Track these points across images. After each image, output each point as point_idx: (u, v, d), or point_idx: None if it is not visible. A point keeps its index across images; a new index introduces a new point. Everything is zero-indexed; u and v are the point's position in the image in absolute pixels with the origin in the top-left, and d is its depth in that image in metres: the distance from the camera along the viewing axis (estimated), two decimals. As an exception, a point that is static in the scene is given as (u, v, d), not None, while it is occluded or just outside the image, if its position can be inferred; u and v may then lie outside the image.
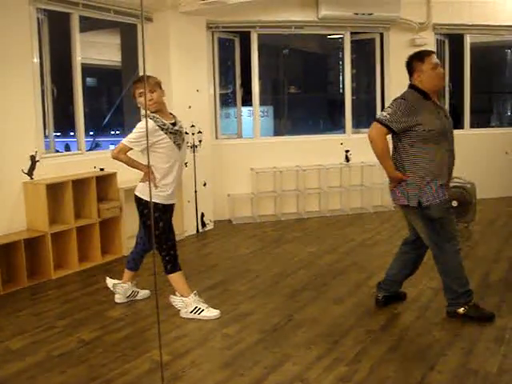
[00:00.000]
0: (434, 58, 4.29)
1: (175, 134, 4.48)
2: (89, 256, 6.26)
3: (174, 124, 4.51)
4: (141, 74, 7.45)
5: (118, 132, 9.32)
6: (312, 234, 7.54)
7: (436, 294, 4.92)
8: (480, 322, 4.22)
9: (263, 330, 4.27)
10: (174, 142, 4.46)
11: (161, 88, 4.55)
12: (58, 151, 6.94)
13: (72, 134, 7.00)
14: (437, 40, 9.37)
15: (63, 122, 7.42)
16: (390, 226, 7.86)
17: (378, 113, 9.28)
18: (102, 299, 5.07)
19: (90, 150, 7.32)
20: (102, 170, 6.49)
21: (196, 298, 4.56)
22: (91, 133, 8.08)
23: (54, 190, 5.91)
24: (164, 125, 4.42)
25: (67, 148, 7.95)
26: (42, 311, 4.83)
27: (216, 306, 4.65)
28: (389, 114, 4.24)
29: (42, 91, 6.23)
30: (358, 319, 4.45)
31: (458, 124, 9.71)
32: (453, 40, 9.64)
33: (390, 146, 4.41)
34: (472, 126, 9.78)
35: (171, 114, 4.61)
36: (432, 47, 9.18)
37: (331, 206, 8.82)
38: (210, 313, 4.53)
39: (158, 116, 4.45)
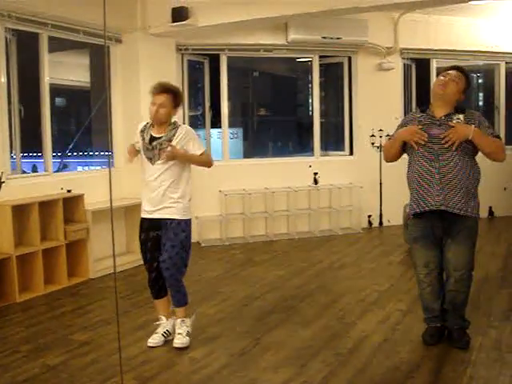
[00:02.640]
0: (447, 74, 4.18)
1: (148, 149, 4.34)
2: (55, 279, 6.17)
3: (154, 139, 4.34)
4: (112, 95, 7.45)
5: (85, 153, 9.25)
6: (280, 256, 7.55)
7: (404, 316, 4.95)
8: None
9: (231, 354, 4.24)
10: (146, 155, 4.35)
11: (177, 105, 4.42)
12: (24, 172, 6.87)
13: (39, 154, 6.93)
14: (404, 64, 9.52)
15: (30, 143, 7.35)
16: (358, 248, 7.90)
17: (347, 135, 9.40)
18: (68, 323, 5.00)
19: (57, 171, 7.25)
20: (69, 191, 6.43)
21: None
22: (59, 154, 8.01)
23: (20, 211, 5.83)
24: (143, 131, 4.42)
25: (34, 169, 7.86)
26: (6, 335, 4.73)
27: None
28: (395, 132, 4.39)
29: (9, 111, 6.17)
30: (325, 342, 4.44)
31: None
32: (419, 64, 9.79)
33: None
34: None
35: (172, 126, 4.40)
36: (399, 71, 9.34)
37: (299, 229, 8.84)
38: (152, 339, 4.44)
39: (149, 124, 4.44)
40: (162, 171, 4.30)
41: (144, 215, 4.40)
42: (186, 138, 4.36)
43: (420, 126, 4.15)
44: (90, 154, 8.99)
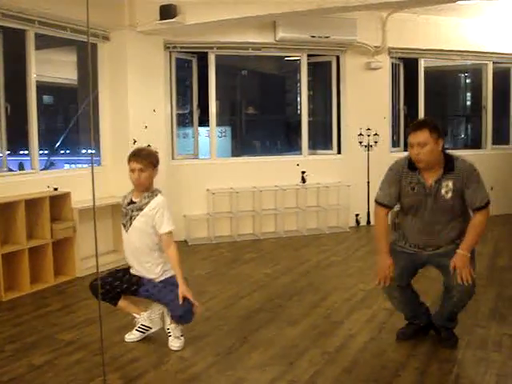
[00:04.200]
0: (413, 137, 3.97)
1: (125, 213, 4.34)
2: (41, 277, 6.13)
3: (130, 203, 4.33)
4: (99, 92, 7.41)
5: (73, 151, 9.20)
6: (268, 255, 7.54)
7: (390, 315, 4.95)
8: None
9: (218, 353, 4.23)
10: (122, 221, 4.37)
11: (154, 167, 4.32)
12: (11, 170, 6.82)
13: (26, 152, 6.89)
14: (392, 64, 9.54)
15: (17, 141, 7.30)
16: (346, 247, 7.92)
17: (335, 134, 9.41)
18: (54, 322, 4.97)
19: (44, 169, 7.21)
20: (55, 189, 6.39)
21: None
22: (46, 151, 7.96)
23: (6, 209, 5.79)
24: (124, 200, 4.42)
25: (21, 167, 7.81)
26: (-9, 334, 4.70)
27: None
28: (380, 189, 4.24)
29: (-4, 108, 6.14)
30: (313, 341, 4.45)
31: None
32: (407, 64, 9.82)
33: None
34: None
35: (149, 194, 4.32)
36: (387, 71, 9.35)
37: (287, 227, 8.84)
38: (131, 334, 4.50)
39: (131, 192, 4.40)
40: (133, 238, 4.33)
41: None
42: (158, 211, 4.25)
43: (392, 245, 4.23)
44: (78, 152, 8.94)
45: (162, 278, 4.31)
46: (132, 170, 4.26)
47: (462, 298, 4.04)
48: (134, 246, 4.31)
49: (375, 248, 4.36)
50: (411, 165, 4.05)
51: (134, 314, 4.49)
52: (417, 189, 4.04)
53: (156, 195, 4.30)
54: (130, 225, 4.27)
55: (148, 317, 4.46)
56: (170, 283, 4.25)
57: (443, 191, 3.98)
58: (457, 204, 4.02)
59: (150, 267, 4.31)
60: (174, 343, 4.31)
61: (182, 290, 4.12)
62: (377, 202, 4.24)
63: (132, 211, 4.27)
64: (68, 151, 9.03)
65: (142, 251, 4.29)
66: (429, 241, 4.11)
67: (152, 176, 4.32)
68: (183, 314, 4.19)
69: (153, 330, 4.49)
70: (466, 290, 3.97)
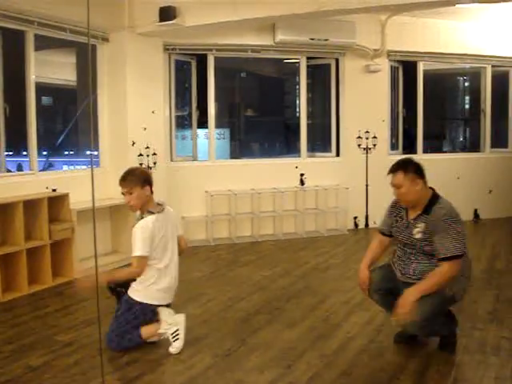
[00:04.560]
0: (393, 178, 4.08)
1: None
2: (39, 278, 6.12)
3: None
4: (98, 94, 7.40)
5: (71, 152, 9.20)
6: (266, 257, 7.54)
7: (388, 318, 4.94)
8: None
9: (216, 355, 4.23)
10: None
11: (143, 185, 4.28)
12: (9, 171, 6.81)
13: (25, 153, 6.89)
14: (391, 66, 9.55)
15: (16, 142, 7.30)
16: (344, 249, 7.91)
17: (333, 137, 9.42)
18: (52, 323, 4.96)
19: (42, 170, 7.21)
20: (54, 190, 6.39)
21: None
22: (44, 152, 7.96)
23: (5, 210, 5.78)
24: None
25: (19, 168, 7.80)
26: (-12, 335, 4.70)
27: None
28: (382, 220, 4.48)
29: (-5, 109, 6.13)
30: (311, 343, 4.44)
31: (411, 149, 9.88)
32: (406, 67, 9.84)
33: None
34: (425, 151, 9.97)
35: (158, 203, 4.40)
36: (386, 74, 9.37)
37: (286, 230, 8.84)
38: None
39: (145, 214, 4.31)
40: None
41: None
42: (133, 233, 4.24)
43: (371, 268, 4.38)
44: (76, 153, 8.94)
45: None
46: (123, 194, 4.31)
47: (415, 330, 4.10)
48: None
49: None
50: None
51: (159, 331, 4.35)
52: (399, 221, 4.23)
53: (144, 217, 4.28)
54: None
55: (169, 322, 4.37)
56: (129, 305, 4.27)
57: (415, 231, 4.06)
58: (426, 246, 4.03)
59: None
60: (172, 347, 4.29)
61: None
62: (377, 228, 4.58)
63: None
64: (66, 152, 9.03)
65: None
66: (404, 268, 4.17)
67: (142, 195, 4.28)
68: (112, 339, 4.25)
69: (180, 327, 4.35)
70: (414, 325, 3.94)
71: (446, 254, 3.89)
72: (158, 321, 4.32)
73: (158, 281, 4.29)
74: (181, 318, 4.35)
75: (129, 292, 4.30)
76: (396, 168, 4.08)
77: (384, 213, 4.44)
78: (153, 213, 4.27)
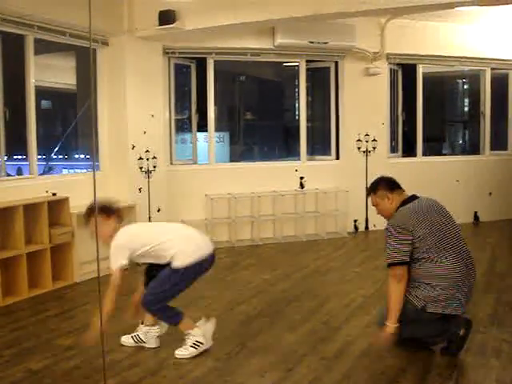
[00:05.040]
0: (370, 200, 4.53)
1: None
2: (39, 282, 6.12)
3: None
4: (98, 97, 7.41)
5: (71, 156, 9.21)
6: (266, 260, 7.54)
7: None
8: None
9: (216, 358, 4.23)
10: None
11: (107, 217, 4.31)
12: (9, 175, 6.81)
13: (24, 157, 6.89)
14: (390, 69, 9.56)
15: (16, 145, 7.30)
16: (344, 252, 7.91)
17: (333, 140, 9.43)
18: (52, 327, 4.96)
19: (42, 174, 7.21)
20: (54, 194, 6.39)
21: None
22: (44, 156, 7.97)
23: (5, 214, 5.78)
24: None
25: (19, 172, 7.81)
26: (-12, 339, 4.69)
27: (169, 334, 4.58)
28: None
29: (-5, 113, 6.13)
30: (311, 346, 4.44)
31: (411, 152, 9.89)
32: (406, 70, 9.85)
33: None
34: (424, 153, 9.97)
35: None
36: (385, 76, 9.39)
37: (286, 233, 8.83)
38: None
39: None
40: None
41: None
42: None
43: None
44: (76, 156, 8.95)
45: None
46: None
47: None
48: None
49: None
50: None
51: (188, 331, 4.35)
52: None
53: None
54: None
55: (203, 333, 4.38)
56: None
57: None
58: None
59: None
60: (179, 351, 4.28)
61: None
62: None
63: None
64: (66, 156, 9.04)
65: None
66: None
67: (108, 227, 4.29)
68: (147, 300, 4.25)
69: (206, 346, 4.38)
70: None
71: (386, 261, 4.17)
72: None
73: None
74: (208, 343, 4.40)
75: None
76: (368, 191, 4.60)
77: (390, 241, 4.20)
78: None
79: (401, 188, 4.39)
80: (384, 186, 4.40)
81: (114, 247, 4.18)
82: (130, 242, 4.24)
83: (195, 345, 4.28)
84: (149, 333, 4.47)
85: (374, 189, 4.46)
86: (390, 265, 4.09)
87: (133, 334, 4.49)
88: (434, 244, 4.03)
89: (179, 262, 4.16)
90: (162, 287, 4.20)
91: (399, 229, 4.07)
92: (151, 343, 4.46)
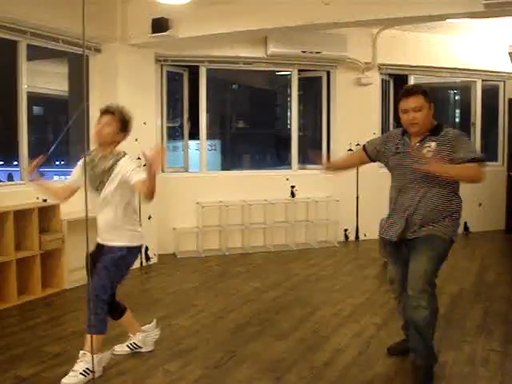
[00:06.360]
0: (407, 103, 3.94)
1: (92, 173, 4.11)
2: (29, 289, 6.10)
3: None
4: (90, 104, 7.40)
5: (62, 162, 9.19)
6: (256, 268, 7.54)
7: (379, 330, 4.96)
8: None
9: (205, 366, 4.22)
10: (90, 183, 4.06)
11: (124, 127, 4.24)
12: (0, 181, 6.79)
13: (15, 163, 6.87)
14: (382, 80, 9.61)
15: (7, 151, 7.29)
16: (334, 261, 7.92)
17: (324, 149, 9.44)
18: (41, 334, 4.94)
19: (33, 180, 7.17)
20: (44, 200, 6.37)
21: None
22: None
23: (-5, 220, 5.77)
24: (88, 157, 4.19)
25: (10, 177, 7.79)
26: (-23, 346, 4.67)
27: (159, 341, 4.59)
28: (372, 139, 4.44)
29: (-15, 119, 6.13)
30: (301, 355, 4.44)
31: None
32: (397, 80, 9.89)
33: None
34: (415, 163, 9.99)
35: (119, 153, 4.19)
36: (377, 87, 9.42)
37: (276, 241, 8.84)
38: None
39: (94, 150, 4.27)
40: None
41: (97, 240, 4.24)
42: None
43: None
44: (67, 163, 8.93)
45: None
46: (98, 123, 4.34)
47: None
48: (106, 211, 4.16)
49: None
50: (404, 131, 4.06)
51: (130, 334, 4.47)
52: (400, 147, 4.03)
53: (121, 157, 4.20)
54: (101, 183, 4.10)
55: (142, 339, 4.45)
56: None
57: (424, 151, 3.88)
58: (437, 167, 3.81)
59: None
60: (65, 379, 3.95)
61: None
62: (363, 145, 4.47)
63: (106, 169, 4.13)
64: (58, 162, 9.02)
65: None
66: (410, 214, 3.93)
67: (115, 136, 4.26)
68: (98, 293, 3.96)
69: (142, 350, 4.46)
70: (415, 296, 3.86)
71: (474, 156, 3.88)
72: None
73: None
74: (149, 348, 4.49)
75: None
76: (414, 90, 4.00)
77: (372, 140, 4.40)
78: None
79: None
80: (429, 93, 4.01)
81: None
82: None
83: (132, 346, 4.38)
84: (147, 338, 4.48)
85: (424, 91, 3.99)
86: (484, 165, 3.97)
87: (127, 343, 4.46)
88: None
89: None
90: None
91: None
92: (149, 346, 4.49)
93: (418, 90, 3.99)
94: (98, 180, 4.07)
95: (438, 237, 3.87)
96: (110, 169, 4.07)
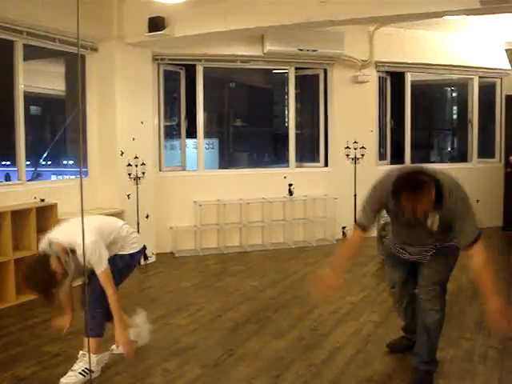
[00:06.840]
0: (412, 199, 3.39)
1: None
2: (27, 289, 6.08)
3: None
4: (87, 104, 7.40)
5: (60, 162, 9.17)
6: (254, 267, 7.54)
7: (377, 327, 4.97)
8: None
9: (204, 365, 4.22)
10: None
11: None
12: (-2, 180, 6.79)
13: (12, 163, 6.86)
14: (379, 77, 9.60)
15: (4, 151, 7.28)
16: (332, 259, 7.91)
17: (322, 147, 9.45)
18: (40, 333, 4.94)
19: (31, 179, 7.18)
20: (42, 200, 6.37)
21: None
22: (32, 162, 7.93)
23: (-8, 220, 5.77)
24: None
25: (7, 177, 7.78)
26: (-25, 346, 4.67)
27: (157, 341, 4.60)
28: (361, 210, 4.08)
29: (-18, 119, 6.12)
30: (299, 353, 4.45)
31: (399, 159, 9.92)
32: (394, 77, 9.89)
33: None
34: (413, 161, 10.00)
35: None
36: (374, 84, 9.42)
37: (274, 240, 8.84)
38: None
39: None
40: None
41: None
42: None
43: None
44: (65, 163, 8.92)
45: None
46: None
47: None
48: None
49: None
50: (395, 193, 3.45)
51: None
52: (399, 215, 3.70)
53: None
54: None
55: (137, 334, 4.45)
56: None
57: (429, 223, 3.67)
58: (444, 231, 3.79)
59: None
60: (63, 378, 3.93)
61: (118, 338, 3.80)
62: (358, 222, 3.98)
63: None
64: (55, 162, 9.00)
65: None
66: (412, 241, 3.90)
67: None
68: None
69: (139, 343, 4.44)
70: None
71: (474, 237, 3.92)
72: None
73: None
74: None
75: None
76: (421, 185, 3.39)
77: (365, 201, 3.85)
78: None
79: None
80: (431, 174, 3.56)
81: (92, 246, 3.79)
82: (101, 235, 3.97)
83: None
84: (142, 331, 4.47)
85: (428, 182, 3.43)
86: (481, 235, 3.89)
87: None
88: None
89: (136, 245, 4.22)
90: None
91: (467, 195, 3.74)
92: (145, 338, 4.49)
93: (424, 184, 3.41)
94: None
95: (451, 244, 3.93)
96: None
